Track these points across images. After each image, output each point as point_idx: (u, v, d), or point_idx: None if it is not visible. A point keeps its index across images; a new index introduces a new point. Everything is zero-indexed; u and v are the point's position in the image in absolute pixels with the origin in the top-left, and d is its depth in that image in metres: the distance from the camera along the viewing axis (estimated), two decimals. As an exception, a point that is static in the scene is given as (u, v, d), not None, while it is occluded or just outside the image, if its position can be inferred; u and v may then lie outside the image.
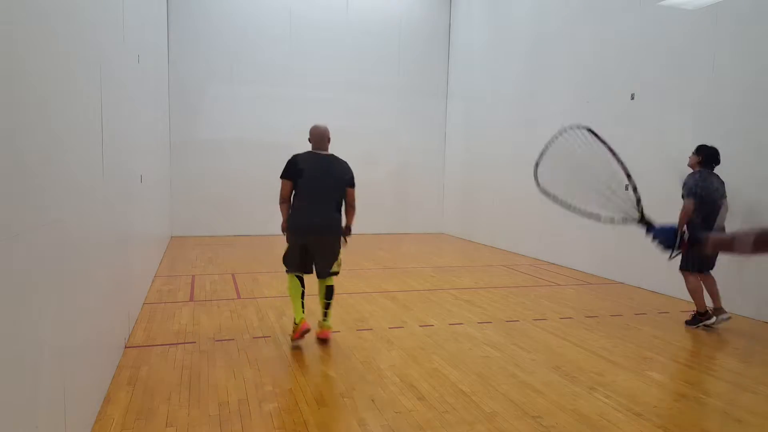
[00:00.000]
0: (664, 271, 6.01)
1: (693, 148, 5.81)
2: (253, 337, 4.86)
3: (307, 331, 4.58)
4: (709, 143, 5.75)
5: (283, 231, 4.68)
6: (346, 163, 4.75)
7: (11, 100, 1.88)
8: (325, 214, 4.56)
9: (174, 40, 11.22)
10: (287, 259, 4.69)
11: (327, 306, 4.74)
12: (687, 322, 5.60)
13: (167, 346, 4.58)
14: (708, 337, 5.34)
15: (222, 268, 8.18)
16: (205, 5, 11.55)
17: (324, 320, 4.76)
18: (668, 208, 6.89)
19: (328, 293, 4.74)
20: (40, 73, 2.23)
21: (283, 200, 4.63)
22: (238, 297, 6.40)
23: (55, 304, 2.39)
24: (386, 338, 4.94)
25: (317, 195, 4.56)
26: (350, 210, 4.80)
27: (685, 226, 5.25)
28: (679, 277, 5.67)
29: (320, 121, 4.82)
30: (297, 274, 4.69)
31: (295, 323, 4.62)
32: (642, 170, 7.39)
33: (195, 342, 4.72)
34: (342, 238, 4.74)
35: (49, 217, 2.30)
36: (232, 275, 7.64)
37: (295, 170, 4.56)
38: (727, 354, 4.76)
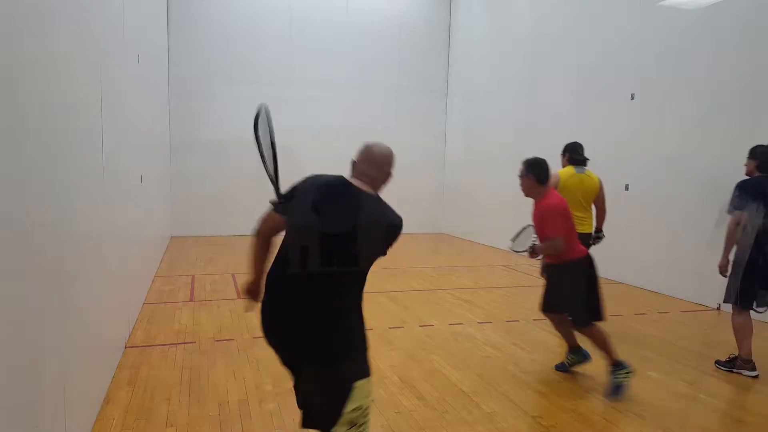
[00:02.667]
0: (663, 272, 6.01)
1: (692, 149, 5.81)
2: (253, 337, 4.85)
3: None
4: (708, 143, 5.71)
5: (247, 294, 2.35)
6: (397, 217, 2.38)
7: (11, 101, 1.88)
8: (313, 315, 2.12)
9: (174, 40, 11.21)
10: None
11: None
12: (717, 363, 4.42)
13: (167, 346, 4.58)
14: (708, 336, 5.33)
15: (222, 268, 8.18)
16: (205, 5, 11.55)
17: None
18: (668, 209, 6.91)
19: None
20: (40, 73, 2.23)
21: (259, 235, 2.26)
22: (238, 297, 6.40)
23: (55, 304, 2.39)
24: (386, 338, 4.94)
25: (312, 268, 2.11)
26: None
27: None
28: (679, 277, 5.66)
29: (379, 142, 2.47)
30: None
31: None
32: (642, 170, 7.43)
33: (195, 342, 4.72)
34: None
35: (49, 217, 2.30)
36: (232, 275, 7.64)
37: (292, 200, 2.19)
38: (727, 354, 4.76)
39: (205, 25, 11.53)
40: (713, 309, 6.19)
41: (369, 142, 2.42)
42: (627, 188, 7.58)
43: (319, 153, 12.29)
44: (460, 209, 12.74)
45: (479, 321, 5.58)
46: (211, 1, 11.59)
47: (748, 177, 4.37)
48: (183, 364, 4.17)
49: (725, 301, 4.41)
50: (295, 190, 2.22)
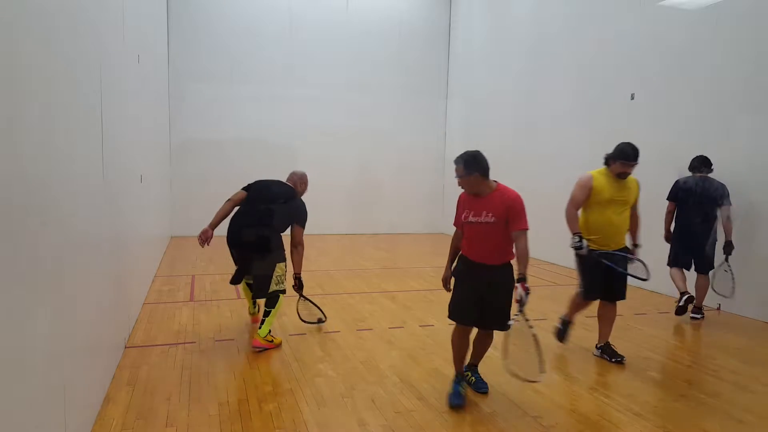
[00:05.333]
0: (664, 272, 6.01)
1: (692, 149, 5.85)
2: (253, 337, 4.85)
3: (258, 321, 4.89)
4: (708, 143, 5.76)
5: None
6: (298, 204, 4.78)
7: (11, 100, 1.88)
8: (260, 235, 4.54)
9: (174, 40, 11.21)
10: None
11: (265, 314, 4.48)
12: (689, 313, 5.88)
13: (167, 346, 4.58)
14: (708, 336, 5.34)
15: (222, 268, 8.18)
16: (205, 5, 11.55)
17: (259, 328, 4.46)
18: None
19: (269, 301, 4.54)
20: (40, 73, 2.23)
21: (231, 201, 4.86)
22: (238, 297, 6.40)
23: (55, 304, 2.39)
24: (386, 338, 4.94)
25: (257, 211, 4.61)
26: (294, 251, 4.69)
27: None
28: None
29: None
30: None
31: (249, 313, 5.29)
32: (642, 170, 7.41)
33: (195, 342, 4.72)
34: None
35: (49, 217, 2.30)
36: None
37: (250, 188, 4.91)
38: (727, 354, 4.76)
39: (205, 25, 11.53)
40: (713, 309, 6.19)
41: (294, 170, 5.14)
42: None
43: (319, 153, 12.32)
44: (460, 209, 12.74)
45: (479, 321, 5.58)
46: (211, 1, 11.59)
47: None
48: (183, 364, 4.17)
49: (668, 264, 6.01)
50: (252, 186, 4.89)
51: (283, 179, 5.04)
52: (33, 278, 2.09)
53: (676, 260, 5.94)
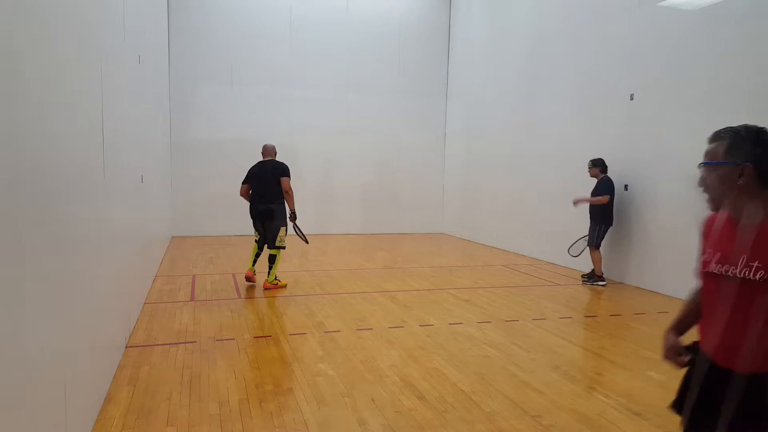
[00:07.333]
0: (663, 271, 6.01)
1: (692, 149, 5.82)
2: (254, 337, 4.86)
3: (250, 279, 6.89)
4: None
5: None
6: (281, 163, 6.81)
7: (11, 100, 1.89)
8: (269, 204, 6.69)
9: (174, 41, 11.22)
10: None
11: (270, 267, 6.74)
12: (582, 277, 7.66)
13: (168, 346, 4.59)
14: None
15: (222, 268, 8.19)
16: (205, 5, 11.55)
17: (268, 276, 6.78)
18: (667, 208, 6.91)
19: (272, 257, 6.77)
20: (40, 73, 2.24)
21: (244, 194, 6.96)
22: (239, 297, 6.41)
23: (56, 303, 2.39)
24: (386, 338, 4.95)
25: (265, 194, 6.71)
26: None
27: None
28: (679, 277, 5.70)
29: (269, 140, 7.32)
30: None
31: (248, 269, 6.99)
32: (642, 171, 7.44)
33: (195, 342, 4.72)
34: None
35: (49, 216, 2.31)
36: (233, 275, 7.65)
37: (248, 177, 6.88)
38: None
39: (206, 26, 11.54)
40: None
41: (264, 144, 7.03)
42: (626, 188, 7.59)
43: (319, 153, 12.34)
44: (460, 209, 12.75)
45: (479, 321, 5.59)
46: (212, 1, 11.60)
47: (604, 176, 7.50)
48: (183, 364, 4.18)
49: (588, 244, 7.53)
50: (249, 174, 6.89)
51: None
52: (33, 278, 2.10)
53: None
